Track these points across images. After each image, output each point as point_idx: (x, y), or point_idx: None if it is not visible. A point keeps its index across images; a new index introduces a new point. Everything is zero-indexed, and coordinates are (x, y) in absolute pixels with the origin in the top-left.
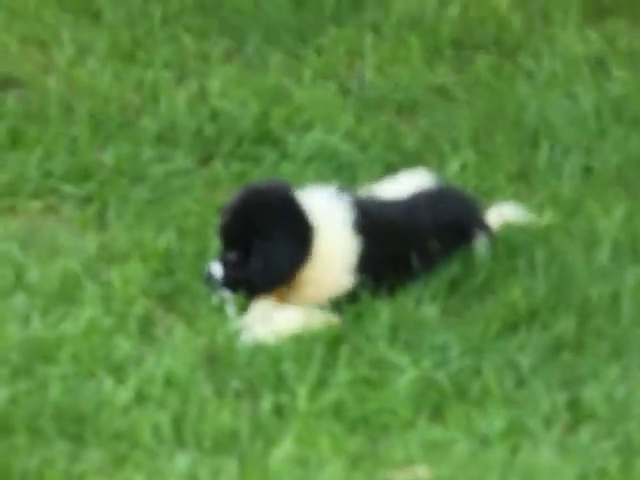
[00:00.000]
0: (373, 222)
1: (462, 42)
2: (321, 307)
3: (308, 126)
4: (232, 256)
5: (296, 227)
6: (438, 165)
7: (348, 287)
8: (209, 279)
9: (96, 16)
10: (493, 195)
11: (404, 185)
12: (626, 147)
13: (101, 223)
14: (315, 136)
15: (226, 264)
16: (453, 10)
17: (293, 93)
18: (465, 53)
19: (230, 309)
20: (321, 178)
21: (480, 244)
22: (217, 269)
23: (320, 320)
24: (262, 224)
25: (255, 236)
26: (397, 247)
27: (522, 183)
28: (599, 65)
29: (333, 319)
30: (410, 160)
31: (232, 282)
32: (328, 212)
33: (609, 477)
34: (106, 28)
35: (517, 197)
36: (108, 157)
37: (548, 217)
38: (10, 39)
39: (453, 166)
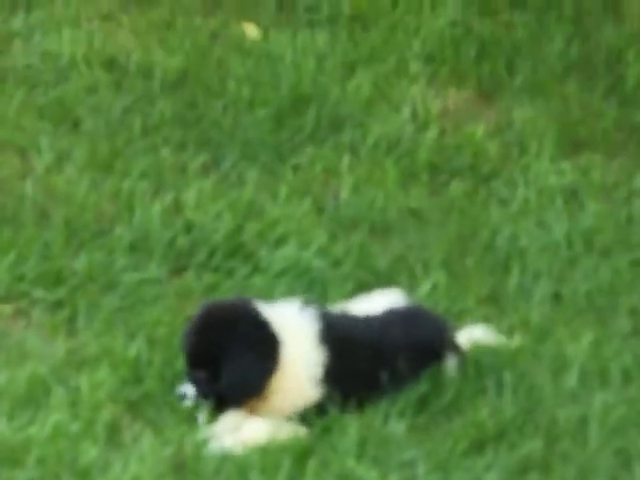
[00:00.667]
0: (339, 335)
1: (438, 167)
2: (289, 419)
3: (281, 241)
4: (201, 374)
5: (261, 341)
6: (409, 286)
7: (314, 398)
8: (182, 399)
9: (75, 125)
10: (463, 317)
11: (376, 303)
12: (596, 276)
13: (71, 329)
14: (288, 251)
15: (196, 382)
16: (430, 135)
17: (267, 209)
18: (440, 178)
19: (201, 417)
20: (292, 293)
21: (449, 364)
22: (189, 389)
23: (287, 432)
24: (227, 342)
25: (222, 354)
26: (365, 362)
27: (492, 306)
28: (572, 196)
29: (300, 431)
30: (382, 279)
31: (204, 398)
32: (292, 324)
33: None
34: (85, 137)
35: (487, 320)
36: (80, 264)
37: (517, 340)
38: None
39: (424, 287)
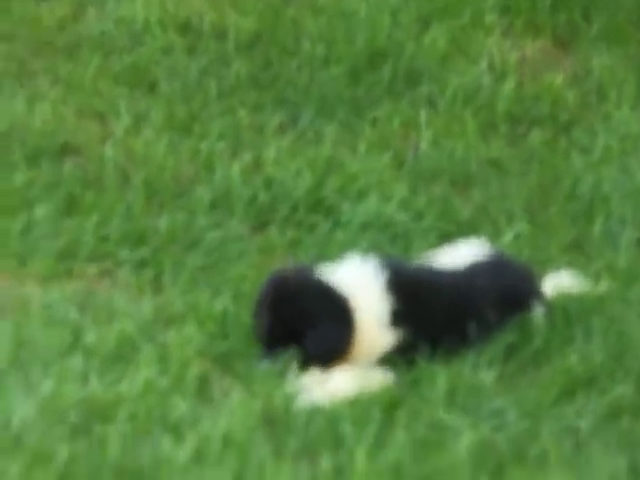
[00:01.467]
0: (413, 283)
1: (517, 117)
2: (375, 367)
3: (362, 195)
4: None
5: (335, 308)
6: (492, 236)
7: (390, 344)
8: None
9: (151, 88)
10: (547, 265)
11: (461, 253)
12: None
13: (156, 287)
14: (369, 205)
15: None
16: (508, 86)
17: (347, 163)
18: (520, 128)
19: (290, 371)
20: (375, 247)
21: (537, 312)
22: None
23: (376, 380)
24: (303, 318)
25: (299, 331)
26: (448, 310)
27: (577, 254)
28: None
29: (388, 377)
30: (464, 231)
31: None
32: (359, 278)
33: None
34: (162, 99)
35: (572, 267)
36: (163, 223)
37: (604, 286)
38: (67, 111)
39: (507, 237)
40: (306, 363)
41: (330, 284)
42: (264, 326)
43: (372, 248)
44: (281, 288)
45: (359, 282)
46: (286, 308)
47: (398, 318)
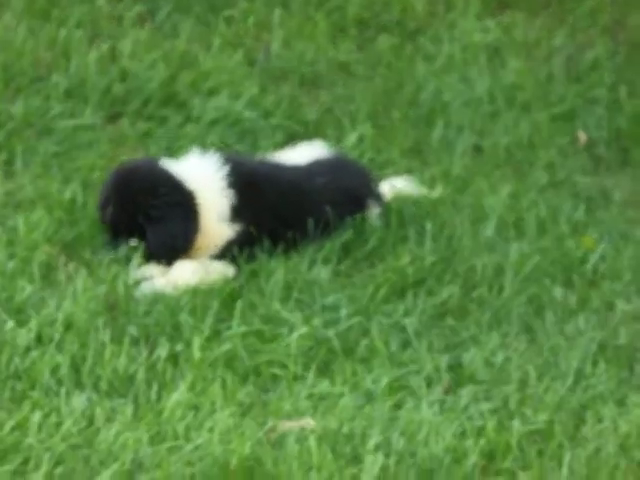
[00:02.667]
0: (252, 178)
1: (366, 22)
2: (218, 261)
3: (213, 92)
4: (132, 242)
5: (180, 202)
6: (336, 137)
7: (228, 236)
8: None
9: None
10: (387, 168)
11: (303, 153)
12: (516, 131)
13: (8, 172)
14: (220, 101)
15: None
16: None
17: (200, 59)
18: (368, 33)
19: (133, 260)
20: (224, 142)
21: (373, 213)
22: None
23: (217, 272)
24: (147, 209)
25: (143, 221)
26: (286, 205)
27: (415, 158)
28: (495, 53)
29: (228, 270)
30: (310, 130)
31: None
32: (200, 173)
33: (485, 435)
34: None
35: (410, 171)
36: (17, 109)
37: (438, 191)
38: None
39: (350, 138)
40: (149, 257)
41: (175, 178)
42: (108, 217)
43: (220, 144)
44: (126, 180)
45: (202, 177)
46: (130, 200)
47: (238, 212)
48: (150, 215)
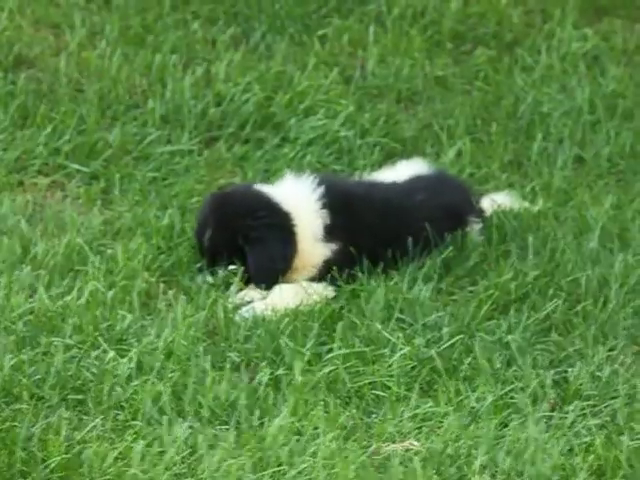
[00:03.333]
0: (345, 197)
1: (462, 35)
2: (317, 283)
3: (309, 111)
4: (232, 267)
5: (278, 225)
6: (435, 153)
7: (325, 255)
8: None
9: (107, 1)
10: (488, 183)
11: (400, 172)
12: (617, 140)
13: (106, 200)
14: (316, 121)
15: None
16: (454, 4)
17: (296, 80)
18: (465, 46)
19: (232, 285)
20: (321, 162)
21: (474, 229)
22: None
23: (316, 294)
24: (245, 233)
25: (242, 246)
26: (384, 223)
27: (516, 172)
28: (594, 61)
29: (328, 292)
30: (408, 147)
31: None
32: (297, 194)
33: (594, 452)
34: (117, 12)
35: (511, 185)
36: (114, 136)
37: (540, 204)
38: (24, 22)
39: (449, 154)
40: (249, 280)
41: (271, 200)
42: (207, 241)
43: (317, 164)
44: (223, 204)
45: (297, 198)
46: (228, 223)
47: (333, 232)
48: (249, 237)
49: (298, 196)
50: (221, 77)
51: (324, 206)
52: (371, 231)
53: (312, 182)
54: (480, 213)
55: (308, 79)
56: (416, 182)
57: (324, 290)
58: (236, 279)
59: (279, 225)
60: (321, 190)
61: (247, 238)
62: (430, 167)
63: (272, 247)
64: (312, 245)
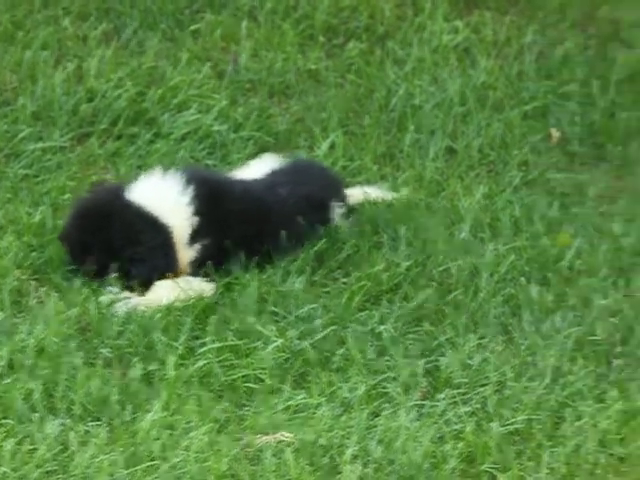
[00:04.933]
0: (215, 196)
1: (334, 29)
2: (196, 278)
3: (182, 106)
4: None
5: (159, 242)
6: (308, 146)
7: (195, 254)
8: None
9: None
10: (360, 175)
11: (266, 165)
12: (488, 131)
13: None
14: (189, 116)
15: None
16: None
17: (168, 75)
18: (337, 40)
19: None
20: (194, 157)
21: (346, 221)
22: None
23: (194, 288)
24: (132, 254)
25: (128, 262)
26: (251, 219)
27: (388, 163)
28: (465, 54)
29: (207, 287)
30: (282, 141)
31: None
32: (166, 196)
33: (464, 439)
34: None
35: (384, 177)
36: None
37: (412, 196)
38: None
39: (322, 147)
40: (130, 281)
41: (148, 216)
42: (89, 264)
43: (191, 159)
44: (101, 224)
45: (166, 199)
46: (110, 247)
47: (204, 230)
48: (132, 258)
49: (169, 201)
50: (93, 73)
51: (194, 207)
52: (240, 226)
53: (181, 181)
54: (343, 197)
55: (181, 74)
56: (279, 175)
57: (203, 285)
58: (111, 276)
59: (160, 245)
60: (190, 190)
61: (130, 259)
62: (294, 159)
63: (155, 263)
64: (185, 247)
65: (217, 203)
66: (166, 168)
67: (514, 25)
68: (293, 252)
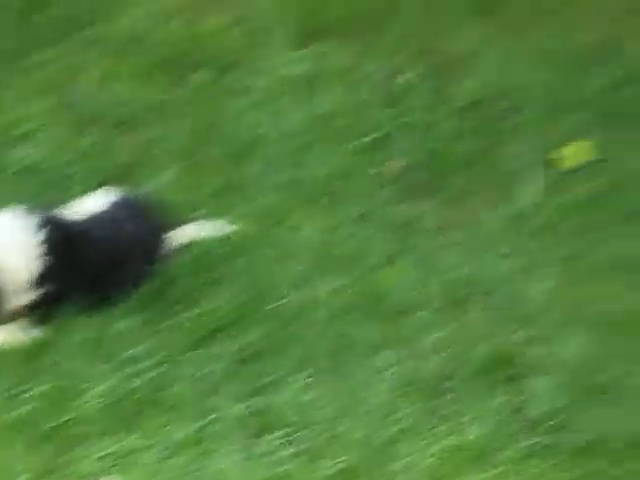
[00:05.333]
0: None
1: (180, 59)
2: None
3: (23, 139)
4: None
5: None
6: (150, 178)
7: (32, 298)
8: None
9: None
10: (200, 209)
11: (94, 203)
12: (332, 161)
13: None
14: (29, 149)
15: None
16: (171, 28)
17: (9, 107)
18: (182, 70)
19: None
20: (36, 191)
21: (179, 258)
22: None
23: (14, 335)
24: None
25: None
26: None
27: (230, 196)
28: (309, 83)
29: (28, 332)
30: (125, 173)
31: None
32: (10, 232)
33: (291, 479)
34: None
35: (224, 209)
36: None
37: (250, 228)
38: None
39: (161, 180)
40: None
41: None
42: None
43: (32, 194)
44: None
45: (6, 241)
46: None
47: (43, 276)
48: None
49: (7, 238)
50: None
51: (42, 250)
52: (82, 268)
53: (30, 221)
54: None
55: (22, 106)
56: (103, 215)
57: (24, 331)
58: None
59: None
60: (40, 232)
61: None
62: (120, 196)
63: None
64: (20, 290)
65: (66, 246)
66: (16, 207)
67: (357, 53)
68: (131, 291)
